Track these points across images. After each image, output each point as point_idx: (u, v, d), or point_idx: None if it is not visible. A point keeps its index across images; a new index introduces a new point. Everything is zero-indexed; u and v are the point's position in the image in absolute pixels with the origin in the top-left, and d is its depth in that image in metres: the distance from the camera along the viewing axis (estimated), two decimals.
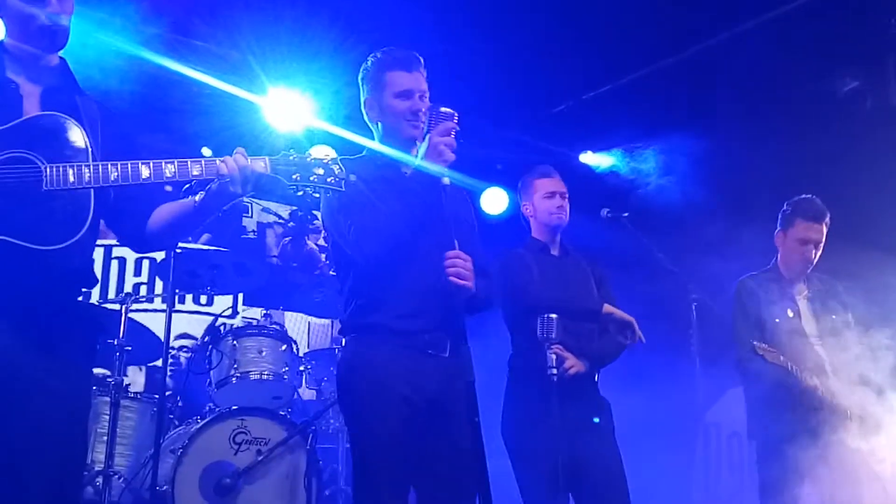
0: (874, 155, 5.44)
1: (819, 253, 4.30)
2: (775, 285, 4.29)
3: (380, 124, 3.03)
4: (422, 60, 3.02)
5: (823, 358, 4.15)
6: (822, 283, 4.37)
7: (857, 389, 4.07)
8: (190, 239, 5.72)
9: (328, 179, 2.43)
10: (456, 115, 2.80)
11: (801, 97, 5.80)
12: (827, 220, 4.29)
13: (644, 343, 3.79)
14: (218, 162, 2.34)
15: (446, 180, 2.74)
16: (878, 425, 4.06)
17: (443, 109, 2.80)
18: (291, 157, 2.41)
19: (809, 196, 4.35)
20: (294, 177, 2.40)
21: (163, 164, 2.30)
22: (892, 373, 4.08)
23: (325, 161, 2.44)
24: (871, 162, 5.41)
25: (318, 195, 2.49)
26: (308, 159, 2.43)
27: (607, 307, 3.81)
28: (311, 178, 2.41)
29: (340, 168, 2.45)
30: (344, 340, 3.02)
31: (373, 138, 3.08)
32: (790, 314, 4.18)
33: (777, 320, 4.15)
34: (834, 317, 4.24)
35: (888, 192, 5.48)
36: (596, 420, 3.79)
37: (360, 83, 3.08)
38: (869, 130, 5.67)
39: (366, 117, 3.09)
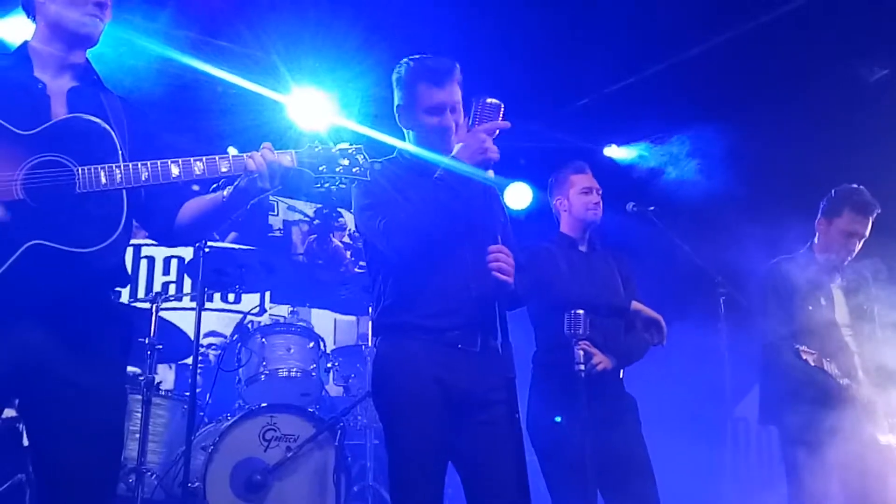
0: None
1: (860, 245, 4.23)
2: (810, 271, 4.20)
3: (411, 132, 3.03)
4: (457, 67, 2.96)
5: (853, 349, 4.10)
6: (855, 272, 4.29)
7: (886, 384, 4.03)
8: (217, 237, 5.77)
9: (353, 170, 2.44)
10: (502, 107, 2.75)
11: (828, 86, 5.74)
12: (875, 214, 4.20)
13: (665, 346, 3.77)
14: (245, 158, 2.37)
15: (490, 173, 2.73)
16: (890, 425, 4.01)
17: (490, 101, 2.75)
18: (317, 150, 2.43)
19: (859, 187, 4.26)
20: (320, 168, 2.43)
21: (192, 161, 2.33)
22: None
23: (349, 151, 2.45)
24: None
25: (344, 185, 2.48)
26: (333, 150, 2.45)
27: (635, 304, 3.80)
28: (337, 170, 2.43)
29: (365, 157, 2.47)
30: (374, 340, 3.03)
31: (403, 139, 3.08)
32: (823, 302, 4.10)
33: (810, 308, 4.08)
34: (865, 308, 4.19)
35: None
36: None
37: (394, 86, 3.05)
38: None
39: (398, 121, 3.08)
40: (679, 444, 4.76)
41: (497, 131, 2.75)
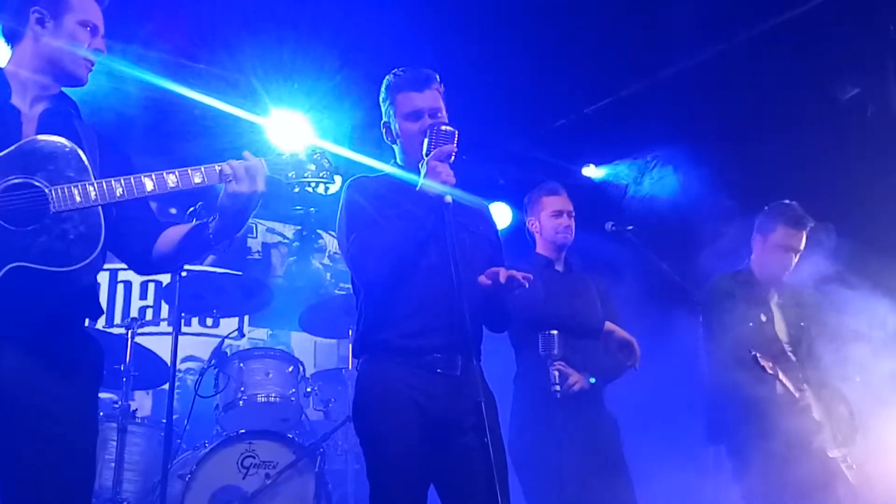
0: (875, 162, 5.43)
1: (797, 259, 4.25)
2: (749, 288, 4.23)
3: (396, 147, 3.05)
4: (437, 78, 3.01)
5: (796, 364, 4.11)
6: (793, 289, 4.32)
7: (829, 397, 4.03)
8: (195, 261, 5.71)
9: (320, 174, 2.53)
10: (456, 133, 2.80)
11: (802, 104, 5.79)
12: (809, 227, 4.23)
13: (637, 369, 3.76)
14: (217, 167, 2.36)
15: (448, 199, 2.74)
16: (848, 433, 4.03)
17: (444, 128, 2.80)
18: (284, 157, 2.51)
19: (790, 202, 4.30)
20: (290, 175, 2.50)
21: (164, 174, 2.33)
22: (861, 382, 4.05)
23: (314, 156, 2.54)
24: (872, 168, 5.40)
25: (311, 189, 2.56)
26: (299, 157, 2.52)
27: (609, 325, 3.81)
28: (305, 175, 2.51)
29: (330, 162, 2.54)
30: (355, 362, 3.01)
31: (395, 159, 3.09)
32: (764, 319, 4.12)
33: (752, 325, 4.09)
34: (802, 324, 4.21)
35: (888, 198, 5.47)
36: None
37: (381, 104, 3.09)
38: (870, 137, 5.66)
39: (385, 139, 3.10)
40: (660, 461, 4.74)
41: (452, 156, 2.77)
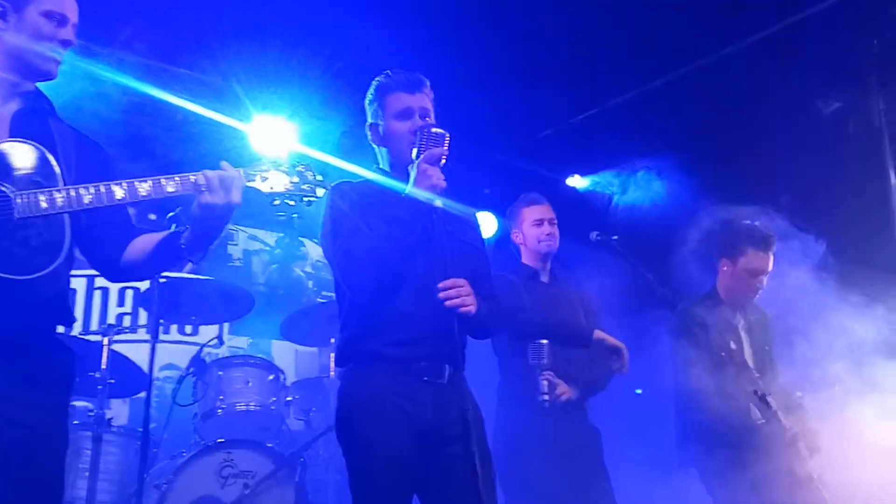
0: (857, 175, 5.46)
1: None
2: (719, 314, 4.14)
3: (384, 149, 2.98)
4: (427, 82, 2.97)
5: (763, 388, 4.02)
6: (757, 312, 4.26)
7: (797, 418, 3.98)
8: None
9: (303, 186, 2.46)
10: (447, 136, 2.75)
11: (784, 119, 5.83)
12: (775, 247, 4.14)
13: (627, 374, 3.74)
14: (192, 176, 2.30)
15: (438, 203, 2.70)
16: (813, 453, 3.97)
17: (434, 131, 2.76)
18: (264, 167, 2.43)
19: (754, 223, 4.21)
20: (270, 187, 2.43)
21: (136, 183, 2.26)
22: (827, 401, 4.03)
23: (297, 168, 2.46)
24: (853, 182, 5.43)
25: (293, 202, 2.49)
26: (281, 167, 2.45)
27: (598, 333, 3.79)
28: (287, 187, 2.43)
29: (314, 174, 2.48)
30: (338, 371, 2.96)
31: (377, 164, 3.04)
32: (733, 346, 4.03)
33: (723, 354, 3.99)
34: (767, 349, 4.17)
35: (869, 212, 5.50)
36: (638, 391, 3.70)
37: (366, 107, 3.04)
38: (852, 151, 5.70)
39: (371, 142, 3.04)
40: (642, 471, 4.72)
41: (443, 159, 2.73)
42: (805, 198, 5.07)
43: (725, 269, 4.21)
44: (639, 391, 3.64)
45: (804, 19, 5.31)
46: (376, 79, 3.00)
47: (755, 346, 4.16)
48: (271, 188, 2.42)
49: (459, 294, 2.66)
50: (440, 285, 2.66)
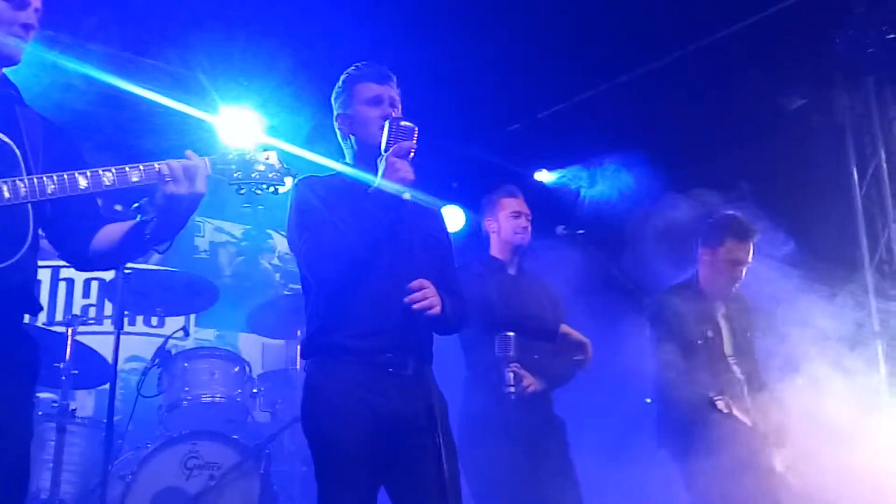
0: (821, 171, 5.55)
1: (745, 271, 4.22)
2: (696, 303, 4.18)
3: (352, 137, 2.98)
4: (394, 77, 2.99)
5: (740, 378, 4.12)
6: (739, 300, 4.31)
7: (772, 408, 4.06)
8: (140, 259, 5.61)
9: (269, 175, 2.43)
10: (416, 129, 2.76)
11: (749, 115, 5.90)
12: (755, 237, 4.20)
13: (591, 368, 3.79)
14: (157, 165, 2.29)
15: (407, 196, 2.71)
16: (792, 441, 4.05)
17: (403, 124, 2.77)
18: (230, 156, 2.41)
19: (734, 213, 4.26)
20: (235, 175, 2.40)
21: (100, 172, 2.25)
22: (805, 388, 4.11)
23: (264, 157, 2.44)
24: (817, 178, 5.51)
25: (260, 191, 2.46)
26: (247, 156, 2.42)
27: (564, 327, 3.83)
28: (253, 175, 2.42)
29: (281, 163, 2.45)
30: (303, 363, 2.97)
31: (344, 158, 3.04)
32: (710, 334, 4.10)
33: (699, 342, 4.07)
34: (748, 335, 4.22)
35: (833, 206, 5.59)
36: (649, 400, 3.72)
37: (333, 102, 3.04)
38: (815, 147, 5.78)
39: (339, 135, 3.04)
40: (608, 462, 4.78)
41: (412, 152, 2.74)
42: (769, 193, 5.13)
43: (706, 258, 4.24)
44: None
45: (769, 16, 5.38)
46: (346, 71, 3.02)
47: (736, 332, 4.20)
48: (237, 176, 2.40)
49: (426, 296, 2.69)
50: (410, 285, 2.68)
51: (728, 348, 4.19)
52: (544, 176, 6.98)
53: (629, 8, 5.30)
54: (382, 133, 2.80)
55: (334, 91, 3.05)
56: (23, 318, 2.41)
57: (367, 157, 2.91)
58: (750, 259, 4.19)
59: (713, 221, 4.29)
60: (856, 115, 5.90)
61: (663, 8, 5.32)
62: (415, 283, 2.69)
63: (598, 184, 6.48)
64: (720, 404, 3.80)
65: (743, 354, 4.19)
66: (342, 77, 3.03)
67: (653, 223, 5.57)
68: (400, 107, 2.96)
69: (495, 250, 4.14)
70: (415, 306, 2.67)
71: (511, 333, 3.50)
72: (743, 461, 3.84)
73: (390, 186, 2.70)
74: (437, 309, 2.72)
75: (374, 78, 2.95)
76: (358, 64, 3.02)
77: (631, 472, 5.16)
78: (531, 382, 3.69)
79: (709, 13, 5.39)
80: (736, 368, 4.14)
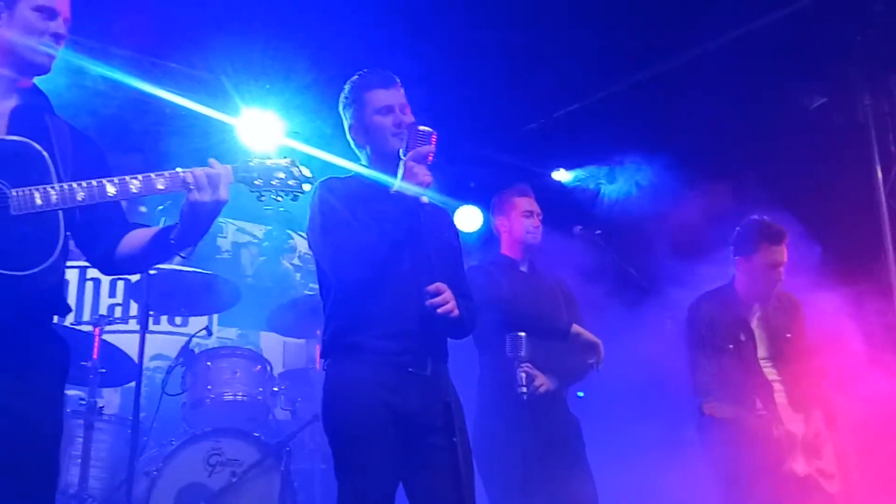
0: (843, 170, 5.52)
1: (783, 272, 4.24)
2: (730, 308, 4.23)
3: (368, 147, 3.04)
4: (398, 79, 3.04)
5: (773, 382, 4.13)
6: (782, 299, 4.32)
7: (806, 410, 4.08)
8: None
9: (290, 182, 2.49)
10: (434, 134, 2.81)
11: (769, 114, 5.88)
12: (787, 238, 4.22)
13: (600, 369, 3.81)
14: (181, 173, 2.36)
15: (424, 199, 2.76)
16: (825, 444, 4.07)
17: (421, 128, 2.82)
18: (252, 163, 2.47)
19: (764, 218, 4.28)
20: (256, 182, 2.46)
21: (128, 180, 2.32)
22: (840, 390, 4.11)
23: (284, 164, 2.49)
24: (840, 177, 5.49)
25: (280, 198, 2.52)
26: (268, 163, 2.48)
27: (575, 327, 3.84)
28: (273, 182, 2.47)
29: (300, 170, 2.51)
30: (323, 363, 3.02)
31: (360, 163, 3.09)
32: (743, 338, 4.13)
33: (731, 346, 4.11)
34: (788, 335, 4.22)
35: (856, 205, 5.56)
36: (580, 394, 3.78)
37: (342, 112, 3.09)
38: (836, 146, 5.75)
39: (352, 144, 3.10)
40: (624, 461, 4.79)
41: (430, 156, 2.79)
42: (791, 192, 5.13)
43: (742, 266, 4.27)
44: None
45: (790, 14, 5.35)
46: (349, 81, 3.07)
47: (772, 335, 4.21)
48: (258, 184, 2.46)
49: (446, 300, 2.74)
50: (428, 289, 2.73)
51: (762, 351, 4.19)
52: (561, 175, 6.99)
53: (647, 6, 5.30)
54: (398, 141, 2.88)
55: (341, 100, 3.09)
56: (52, 318, 2.47)
57: (383, 163, 2.97)
58: (785, 259, 4.21)
59: (744, 229, 4.31)
60: (878, 114, 5.86)
61: (682, 5, 5.31)
62: (432, 287, 2.74)
63: (616, 183, 6.48)
64: (706, 408, 3.82)
65: (780, 357, 4.19)
66: (347, 86, 3.07)
67: (670, 222, 5.60)
68: (409, 108, 3.02)
69: (507, 249, 4.16)
70: (439, 311, 2.72)
71: (522, 333, 3.52)
72: (759, 464, 3.87)
73: (409, 190, 2.75)
74: (456, 312, 2.77)
75: (380, 84, 3.00)
76: (361, 72, 3.07)
77: (649, 471, 5.18)
78: (543, 382, 3.71)
79: (728, 10, 5.36)
80: (770, 371, 4.14)
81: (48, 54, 2.43)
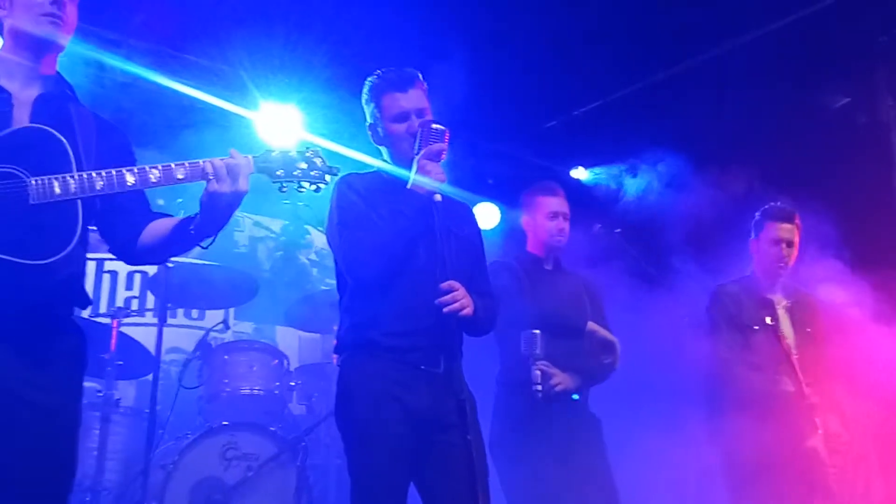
0: (865, 170, 5.47)
1: (794, 254, 4.31)
2: (753, 292, 4.31)
3: (384, 148, 3.06)
4: (419, 76, 3.02)
5: (796, 361, 4.11)
6: (801, 295, 4.38)
7: (827, 402, 4.07)
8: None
9: (312, 173, 2.47)
10: (447, 132, 2.81)
11: (791, 113, 5.84)
12: (797, 220, 4.33)
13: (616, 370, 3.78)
14: (201, 163, 2.34)
15: (438, 197, 2.75)
16: (838, 444, 4.05)
17: (434, 126, 2.81)
18: (273, 154, 2.45)
19: (776, 202, 4.42)
20: (278, 173, 2.44)
21: (147, 169, 2.31)
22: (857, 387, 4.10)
23: (306, 154, 2.48)
24: (861, 177, 5.44)
25: (303, 189, 2.50)
26: (290, 154, 2.46)
27: (591, 325, 3.80)
28: (295, 173, 2.45)
29: (323, 161, 2.49)
30: (338, 358, 3.02)
31: (381, 158, 3.10)
32: (769, 321, 4.14)
33: (756, 327, 4.15)
34: (809, 330, 4.25)
35: (877, 205, 5.51)
36: (575, 397, 3.75)
37: (364, 107, 3.09)
38: (859, 146, 5.70)
39: (371, 140, 3.11)
40: (644, 467, 4.77)
41: (443, 154, 2.78)
42: (812, 192, 5.09)
43: (753, 247, 4.40)
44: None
45: (811, 13, 5.31)
46: (368, 79, 3.05)
47: (796, 325, 4.26)
48: (279, 174, 2.44)
49: (456, 299, 2.73)
50: (441, 286, 2.72)
51: (788, 335, 4.21)
52: (581, 173, 6.96)
53: (668, 4, 5.26)
54: (412, 146, 2.87)
55: (363, 96, 3.08)
56: (72, 310, 2.46)
57: (400, 164, 2.97)
58: (794, 238, 4.30)
59: (756, 213, 4.44)
60: None
61: (705, 4, 5.28)
62: (445, 285, 2.72)
63: (636, 181, 6.45)
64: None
65: (804, 348, 4.20)
66: (367, 84, 3.06)
67: (690, 221, 5.57)
68: (428, 104, 2.99)
69: (532, 246, 4.12)
70: (445, 309, 2.71)
71: (536, 331, 3.50)
72: (789, 441, 3.88)
73: (422, 187, 2.75)
74: (469, 310, 2.76)
75: (397, 87, 2.97)
76: (379, 72, 3.04)
77: (670, 471, 5.16)
78: (560, 381, 3.67)
79: (751, 9, 5.33)
80: (794, 360, 4.14)
81: (52, 22, 2.39)
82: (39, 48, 2.44)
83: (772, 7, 5.36)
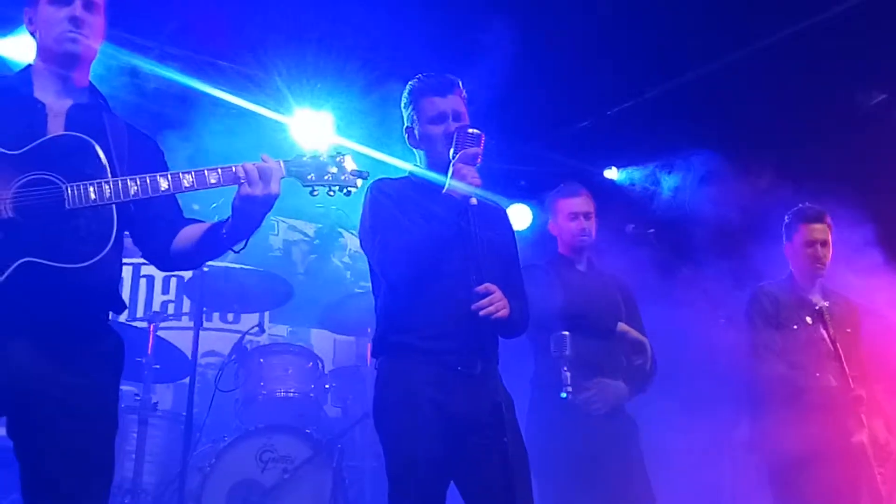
0: None
1: (829, 253, 4.28)
2: (793, 293, 4.29)
3: (420, 151, 3.08)
4: (459, 83, 3.05)
5: (840, 359, 4.07)
6: (839, 297, 4.35)
7: (871, 403, 4.01)
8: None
9: (342, 177, 2.48)
10: (483, 136, 2.83)
11: (827, 111, 5.77)
12: (827, 220, 4.31)
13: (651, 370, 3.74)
14: (233, 168, 2.37)
15: (473, 200, 2.77)
16: (881, 451, 3.99)
17: (470, 131, 2.84)
18: (305, 159, 2.47)
19: (805, 203, 4.41)
20: (309, 177, 2.46)
21: (180, 174, 2.34)
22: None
23: (337, 159, 2.49)
24: None
25: (333, 193, 2.51)
26: (321, 159, 2.48)
27: (622, 325, 3.78)
28: (326, 177, 2.47)
29: (354, 166, 2.51)
30: (374, 361, 3.03)
31: (416, 164, 3.12)
32: (809, 321, 4.14)
33: (795, 327, 4.14)
34: (848, 331, 4.21)
35: None
36: (564, 395, 3.70)
37: (402, 110, 3.13)
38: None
39: (408, 143, 3.13)
40: (678, 469, 4.72)
41: (479, 158, 2.80)
42: (849, 189, 5.02)
43: (789, 252, 4.40)
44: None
45: (848, 10, 5.24)
46: (409, 83, 3.09)
47: (836, 326, 4.17)
48: (311, 178, 2.46)
49: (492, 302, 2.74)
50: (477, 289, 2.73)
51: (829, 339, 4.15)
52: (613, 173, 6.93)
53: (701, 2, 5.22)
54: (447, 149, 2.90)
55: (402, 100, 3.12)
56: (108, 314, 2.50)
57: (435, 167, 2.99)
58: (827, 237, 4.29)
59: (786, 216, 4.43)
60: None
61: (737, 2, 5.23)
62: (481, 288, 2.74)
63: (669, 181, 6.40)
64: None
65: (847, 349, 4.14)
66: (407, 88, 3.09)
67: (724, 220, 5.52)
68: (465, 111, 3.01)
69: (563, 248, 4.12)
70: (482, 312, 2.72)
71: (566, 333, 3.48)
72: (837, 438, 3.85)
73: (459, 189, 2.76)
74: (505, 312, 2.77)
75: (436, 91, 3.01)
76: (420, 76, 3.08)
77: (710, 475, 5.11)
78: (593, 397, 3.65)
79: (786, 6, 5.27)
80: (839, 360, 4.10)
81: (71, 39, 2.43)
82: (67, 63, 2.49)
83: (806, 4, 5.30)
